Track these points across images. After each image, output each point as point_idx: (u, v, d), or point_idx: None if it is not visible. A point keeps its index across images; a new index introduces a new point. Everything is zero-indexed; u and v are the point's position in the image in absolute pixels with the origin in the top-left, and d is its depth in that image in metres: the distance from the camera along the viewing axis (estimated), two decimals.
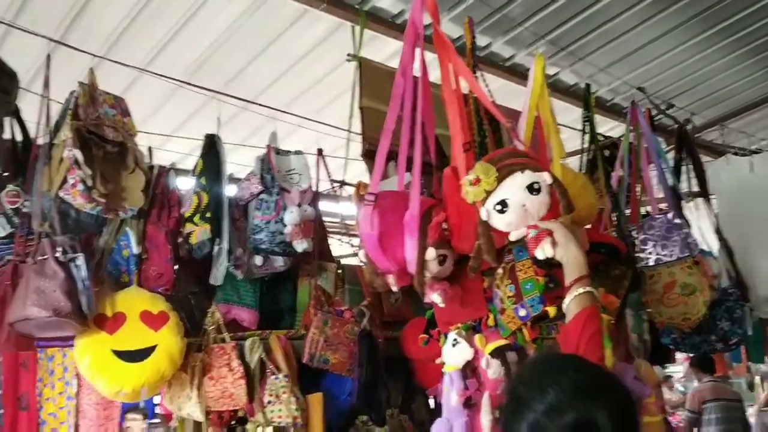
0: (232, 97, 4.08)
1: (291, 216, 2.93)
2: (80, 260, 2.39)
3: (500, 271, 2.21)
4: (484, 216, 1.94)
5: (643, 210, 3.78)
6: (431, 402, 3.19)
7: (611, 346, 1.76)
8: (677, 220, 3.13)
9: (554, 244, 1.85)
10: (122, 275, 2.74)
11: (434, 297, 2.14)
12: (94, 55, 2.93)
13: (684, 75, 5.11)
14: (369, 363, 2.85)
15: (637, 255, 3.11)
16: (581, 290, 1.75)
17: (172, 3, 3.73)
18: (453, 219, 2.10)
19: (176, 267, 2.84)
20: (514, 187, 1.90)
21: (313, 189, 3.15)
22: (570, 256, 1.81)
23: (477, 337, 2.25)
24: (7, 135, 2.62)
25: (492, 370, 2.19)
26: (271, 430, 2.58)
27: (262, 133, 3.66)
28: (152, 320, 2.59)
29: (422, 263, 2.05)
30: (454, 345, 2.29)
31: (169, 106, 4.63)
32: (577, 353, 1.61)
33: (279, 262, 3.02)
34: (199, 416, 2.70)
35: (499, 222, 1.94)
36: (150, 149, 3.01)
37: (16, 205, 2.54)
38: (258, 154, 3.12)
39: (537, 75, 2.62)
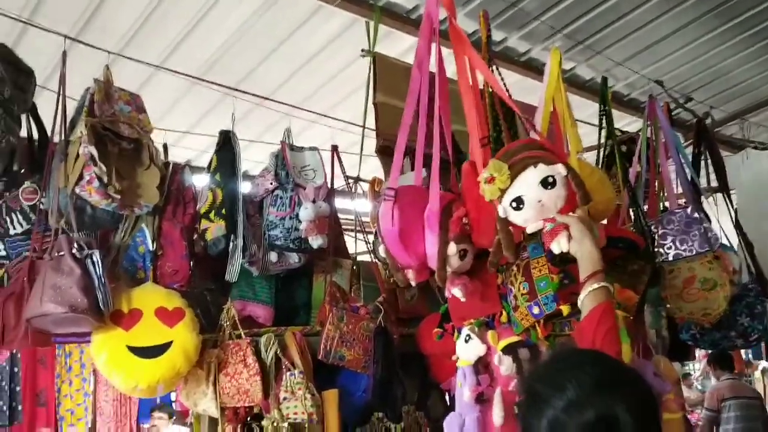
0: (246, 93, 4.08)
1: (306, 212, 2.92)
2: (96, 256, 2.40)
3: (514, 268, 2.21)
4: (501, 213, 1.94)
5: (661, 206, 3.74)
6: (447, 398, 3.17)
7: (629, 341, 1.74)
8: (696, 215, 3.09)
9: (570, 238, 1.83)
10: (138, 272, 2.76)
11: (455, 291, 2.13)
12: (109, 52, 2.92)
13: (702, 69, 5.05)
14: (384, 359, 2.83)
15: (656, 250, 3.07)
16: (596, 285, 1.73)
17: (185, 2, 3.74)
18: (473, 213, 2.09)
19: (192, 263, 2.85)
20: (528, 183, 1.89)
21: (328, 185, 3.14)
22: (584, 251, 1.79)
23: (490, 334, 2.26)
24: (23, 132, 2.63)
25: (504, 366, 2.20)
26: (287, 426, 2.57)
27: (277, 130, 3.66)
28: (168, 316, 2.59)
29: (444, 258, 2.03)
30: (467, 341, 2.30)
31: (183, 103, 4.65)
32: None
33: (294, 259, 3.02)
34: (215, 412, 2.70)
35: (516, 218, 1.93)
36: (165, 146, 3.01)
37: (34, 202, 2.55)
38: (272, 151, 3.12)
39: (553, 68, 2.60)
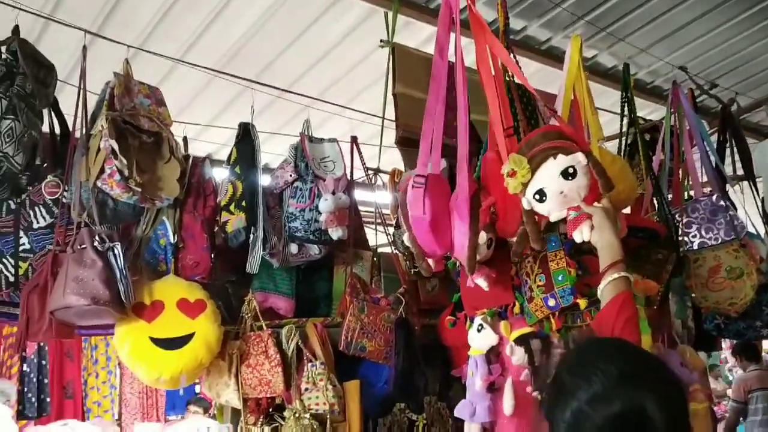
0: (266, 85, 4.08)
1: (326, 204, 2.92)
2: (118, 249, 2.43)
3: (530, 259, 2.21)
4: (526, 206, 1.93)
5: (686, 195, 3.68)
6: None
7: (649, 332, 1.72)
8: (722, 202, 3.04)
9: (592, 228, 1.82)
10: (159, 264, 2.78)
11: (479, 281, 2.13)
12: (129, 46, 2.94)
13: (727, 55, 4.95)
14: (406, 350, 2.83)
15: (680, 239, 3.03)
16: (616, 275, 1.73)
17: None
18: (499, 203, 2.08)
19: (213, 256, 2.86)
20: (549, 175, 1.87)
21: (348, 177, 3.13)
22: (604, 241, 1.79)
23: (502, 324, 2.27)
24: (45, 127, 2.65)
25: (516, 356, 2.20)
26: (309, 417, 2.58)
27: (296, 122, 3.66)
28: (189, 308, 2.61)
29: (475, 247, 2.01)
30: (479, 330, 2.31)
31: (203, 97, 4.66)
32: None
33: (314, 250, 3.02)
34: (237, 403, 2.72)
35: (541, 210, 1.93)
36: (185, 139, 3.03)
37: (56, 196, 2.58)
38: (292, 143, 3.12)
39: (573, 55, 2.58)
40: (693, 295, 3.05)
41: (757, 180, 3.79)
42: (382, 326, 2.87)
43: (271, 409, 2.78)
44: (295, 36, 4.16)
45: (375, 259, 3.33)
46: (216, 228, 2.90)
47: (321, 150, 3.13)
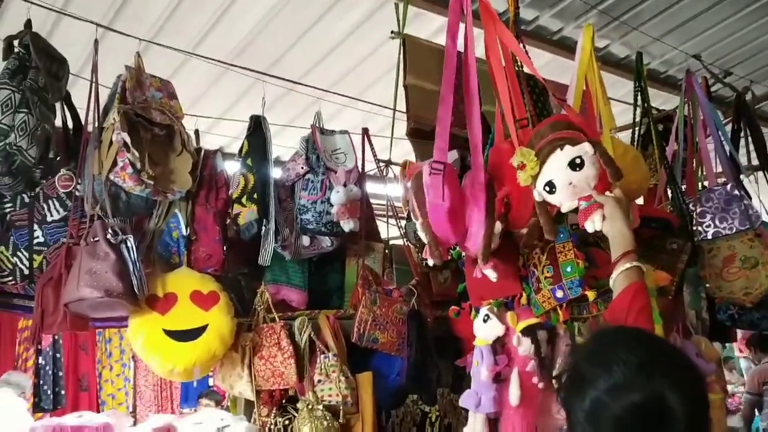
0: (277, 78, 4.08)
1: (337, 196, 2.92)
2: (130, 241, 2.44)
3: (538, 250, 2.20)
4: (538, 198, 1.93)
5: (699, 185, 3.65)
6: None
7: (661, 323, 1.71)
8: (737, 192, 3.01)
9: (604, 217, 1.81)
10: (172, 256, 2.79)
11: (488, 272, 2.12)
12: (141, 39, 2.94)
13: (742, 43, 4.88)
14: (418, 342, 2.83)
15: (694, 228, 3.00)
16: (628, 265, 1.72)
17: None
18: (513, 193, 2.06)
19: (225, 248, 2.87)
20: (557, 166, 1.87)
21: (359, 169, 3.13)
22: (615, 231, 1.78)
23: (509, 315, 2.29)
24: (58, 121, 2.67)
25: (523, 347, 2.22)
26: (322, 408, 2.59)
27: (308, 114, 3.65)
28: (203, 300, 2.62)
29: (491, 237, 2.00)
30: (485, 320, 2.32)
31: (214, 90, 4.66)
32: None
33: (326, 242, 3.02)
34: (250, 395, 2.73)
35: (552, 201, 1.92)
36: (197, 132, 3.03)
37: (69, 189, 2.59)
38: (303, 135, 3.12)
39: (585, 45, 2.56)
40: (707, 285, 3.02)
41: None
42: (395, 318, 2.87)
43: (284, 401, 2.79)
44: (305, 28, 4.14)
45: (387, 251, 3.33)
46: (228, 220, 2.91)
47: (332, 142, 3.13)
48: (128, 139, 2.46)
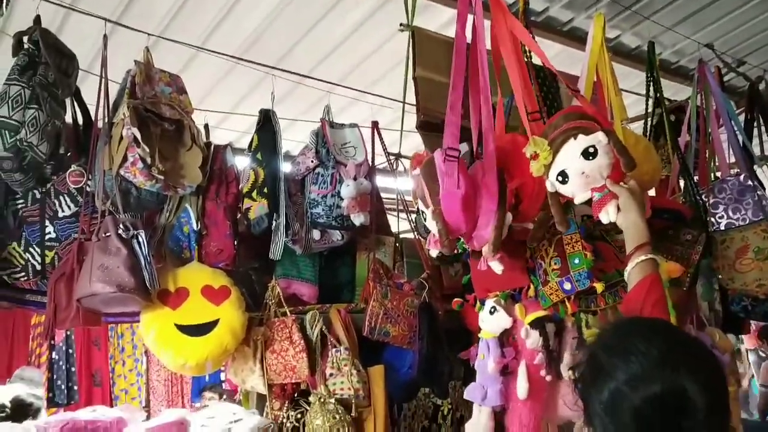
0: (286, 72, 4.07)
1: (347, 189, 2.91)
2: (142, 236, 2.44)
3: (545, 242, 2.19)
4: (550, 189, 1.91)
5: (712, 176, 3.62)
6: None
7: (675, 315, 1.70)
8: (750, 182, 2.98)
9: (618, 208, 1.79)
10: (183, 251, 2.80)
11: (494, 264, 2.11)
12: (150, 34, 2.94)
13: (754, 33, 4.83)
14: (430, 335, 2.82)
15: (708, 219, 2.98)
16: (643, 257, 1.71)
17: None
18: (524, 186, 2.05)
19: (236, 242, 2.87)
20: (570, 156, 1.86)
21: (369, 162, 3.12)
22: (629, 223, 1.77)
23: (517, 307, 2.27)
24: (68, 117, 2.67)
25: (531, 340, 2.21)
26: (334, 402, 2.58)
27: (317, 108, 3.64)
28: (214, 295, 2.62)
29: (502, 227, 1.98)
30: (491, 312, 2.31)
31: (223, 85, 4.67)
32: None
33: (337, 236, 3.02)
34: (262, 389, 2.74)
35: (564, 191, 1.91)
36: (206, 126, 3.03)
37: (80, 185, 2.60)
38: (313, 129, 3.11)
39: (596, 35, 2.54)
40: (720, 276, 2.99)
41: None
42: (406, 311, 2.87)
43: (296, 395, 2.79)
44: (314, 21, 4.14)
45: (397, 244, 3.32)
46: (239, 215, 2.91)
47: (342, 135, 3.12)
48: (138, 134, 2.45)
